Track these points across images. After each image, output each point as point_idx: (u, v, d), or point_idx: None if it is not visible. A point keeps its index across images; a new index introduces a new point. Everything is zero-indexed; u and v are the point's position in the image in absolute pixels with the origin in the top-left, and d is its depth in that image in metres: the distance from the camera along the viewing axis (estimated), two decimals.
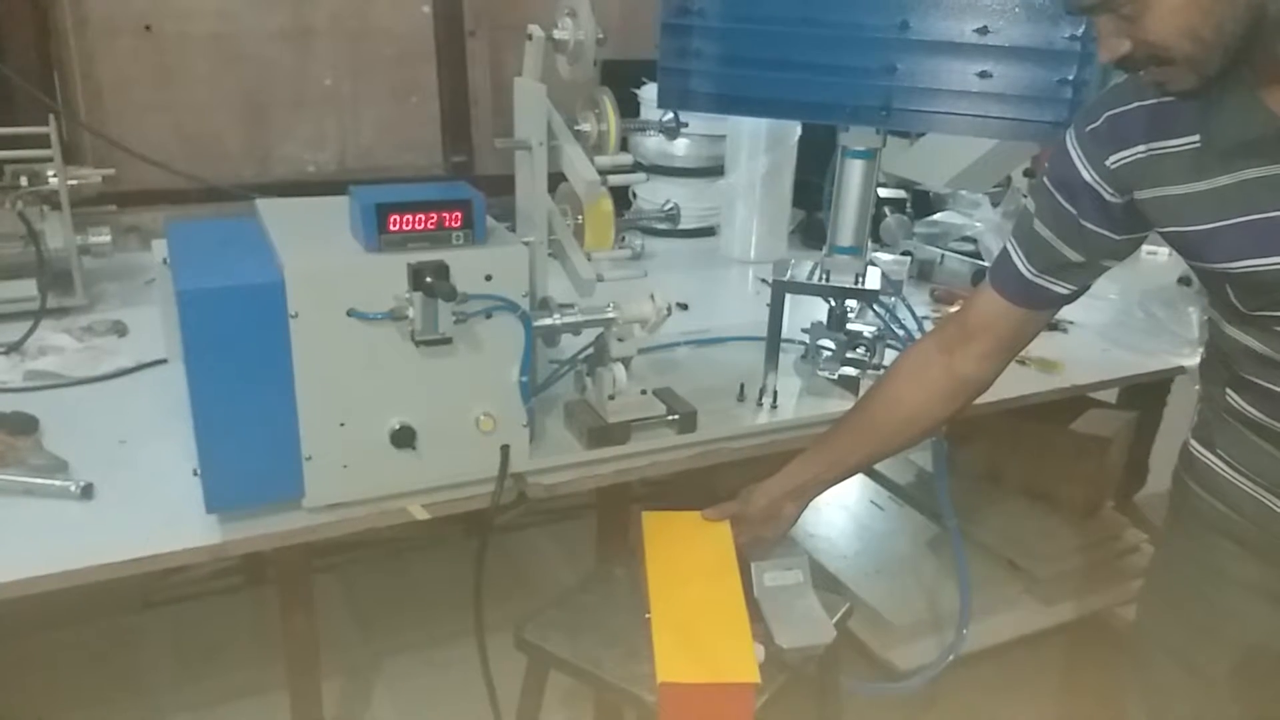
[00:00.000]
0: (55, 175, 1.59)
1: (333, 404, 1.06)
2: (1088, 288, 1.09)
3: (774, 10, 1.35)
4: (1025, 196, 1.09)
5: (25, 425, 1.23)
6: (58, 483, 1.10)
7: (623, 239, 2.00)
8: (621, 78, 1.96)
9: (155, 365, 1.44)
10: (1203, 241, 0.92)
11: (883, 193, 2.14)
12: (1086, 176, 0.98)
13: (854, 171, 1.41)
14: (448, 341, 1.07)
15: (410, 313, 1.04)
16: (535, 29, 1.19)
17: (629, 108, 2.02)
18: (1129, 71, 0.88)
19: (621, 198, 1.95)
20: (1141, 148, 0.94)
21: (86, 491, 1.10)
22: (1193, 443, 1.12)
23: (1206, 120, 0.89)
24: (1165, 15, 0.80)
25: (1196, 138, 0.90)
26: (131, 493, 1.12)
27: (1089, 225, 1.01)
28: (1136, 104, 0.94)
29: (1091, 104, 1.01)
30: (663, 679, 1.09)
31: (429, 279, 1.02)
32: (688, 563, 1.23)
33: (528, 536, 2.46)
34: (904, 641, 1.89)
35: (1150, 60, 0.84)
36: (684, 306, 1.77)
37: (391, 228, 1.05)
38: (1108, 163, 0.96)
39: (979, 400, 1.20)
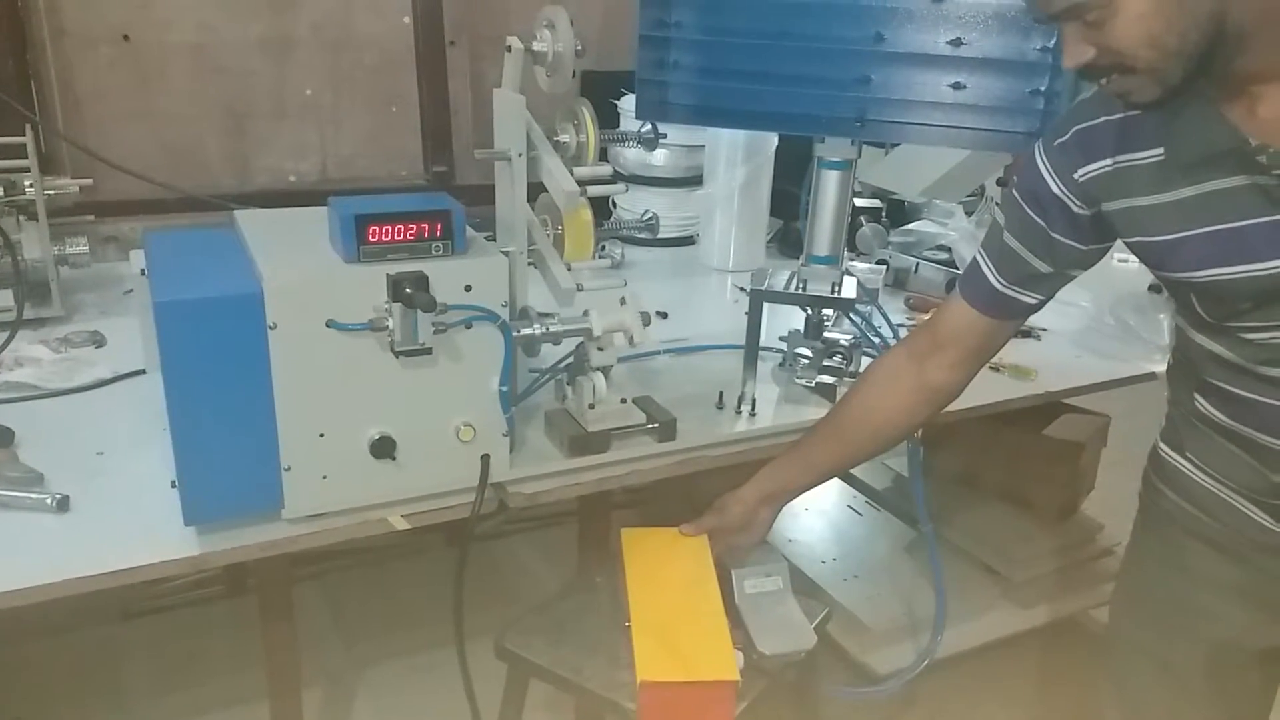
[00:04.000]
0: (32, 185, 1.58)
1: (312, 415, 1.06)
2: (1053, 296, 1.11)
3: (750, 23, 1.37)
4: (997, 205, 1.11)
5: (1, 437, 1.22)
6: (33, 495, 1.09)
7: (603, 248, 2.03)
8: (601, 89, 1.98)
9: (133, 376, 1.43)
10: (1167, 251, 0.94)
11: (858, 202, 2.17)
12: (1055, 189, 1.01)
13: (830, 182, 1.43)
14: (427, 352, 1.07)
15: (390, 323, 1.04)
16: (514, 41, 1.20)
17: (608, 119, 2.03)
18: (1092, 80, 0.91)
19: (601, 208, 1.96)
20: (1108, 161, 0.96)
21: (63, 504, 1.09)
22: (1162, 446, 1.15)
23: (1170, 133, 0.91)
24: (1130, 23, 0.82)
25: (1161, 150, 0.92)
26: (109, 505, 1.11)
27: (1058, 236, 1.03)
28: (1104, 118, 0.96)
29: (1059, 119, 1.03)
30: (643, 678, 1.09)
31: (408, 290, 1.02)
32: (667, 575, 1.24)
33: (509, 544, 2.46)
34: (882, 645, 1.90)
35: (1114, 69, 0.87)
36: (664, 315, 1.78)
37: (371, 239, 1.05)
38: (1076, 176, 0.99)
39: (954, 406, 1.22)
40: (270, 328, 1.01)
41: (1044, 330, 1.80)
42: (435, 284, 1.05)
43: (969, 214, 2.25)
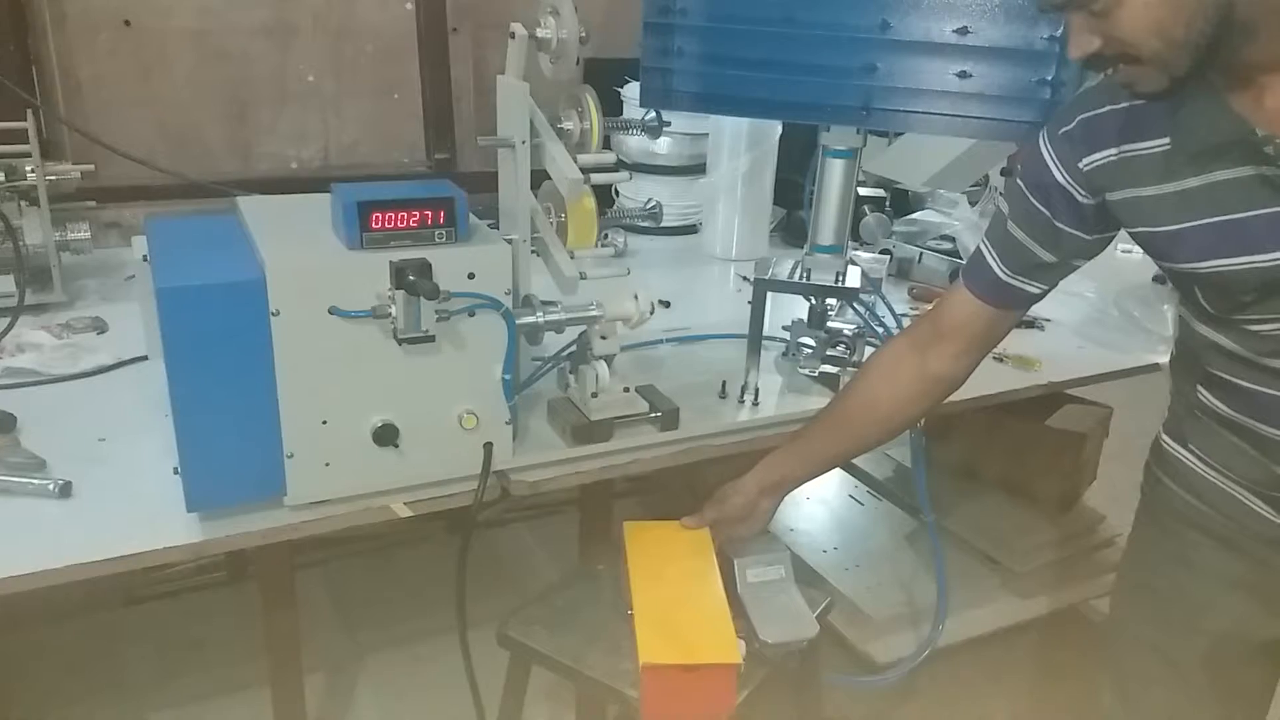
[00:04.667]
0: (33, 171, 1.58)
1: (315, 402, 1.06)
2: (1056, 286, 1.11)
3: (755, 10, 1.36)
4: (1001, 195, 1.10)
5: (3, 423, 1.22)
6: (35, 481, 1.10)
7: (605, 236, 2.02)
8: (604, 76, 1.96)
9: (135, 362, 1.43)
10: (1171, 242, 0.94)
11: (862, 191, 2.16)
12: (1059, 178, 1.00)
13: (835, 171, 1.42)
14: (430, 339, 1.07)
15: (393, 311, 1.04)
16: (518, 27, 1.20)
17: (612, 106, 2.02)
18: (1098, 70, 0.90)
19: (604, 196, 1.95)
20: (1113, 150, 0.95)
21: (65, 490, 1.09)
22: (1164, 437, 1.15)
23: (1175, 123, 0.91)
24: (1136, 12, 0.82)
25: (1166, 140, 0.92)
26: (111, 491, 1.11)
27: (1062, 226, 1.03)
28: (1109, 107, 0.96)
29: (1064, 107, 1.02)
30: (645, 660, 1.09)
31: (411, 277, 1.02)
32: (668, 566, 1.24)
33: (511, 532, 2.47)
34: (883, 635, 1.91)
35: (1119, 59, 0.86)
36: (666, 304, 1.77)
37: (374, 225, 1.05)
38: (1080, 165, 0.98)
39: (957, 396, 1.22)
40: (273, 314, 1.00)
41: (1048, 321, 1.79)
42: (438, 271, 1.04)
43: (973, 204, 2.25)
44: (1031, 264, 1.06)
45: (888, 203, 2.18)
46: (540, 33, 1.19)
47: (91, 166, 1.72)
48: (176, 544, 1.04)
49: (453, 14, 2.34)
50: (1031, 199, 1.04)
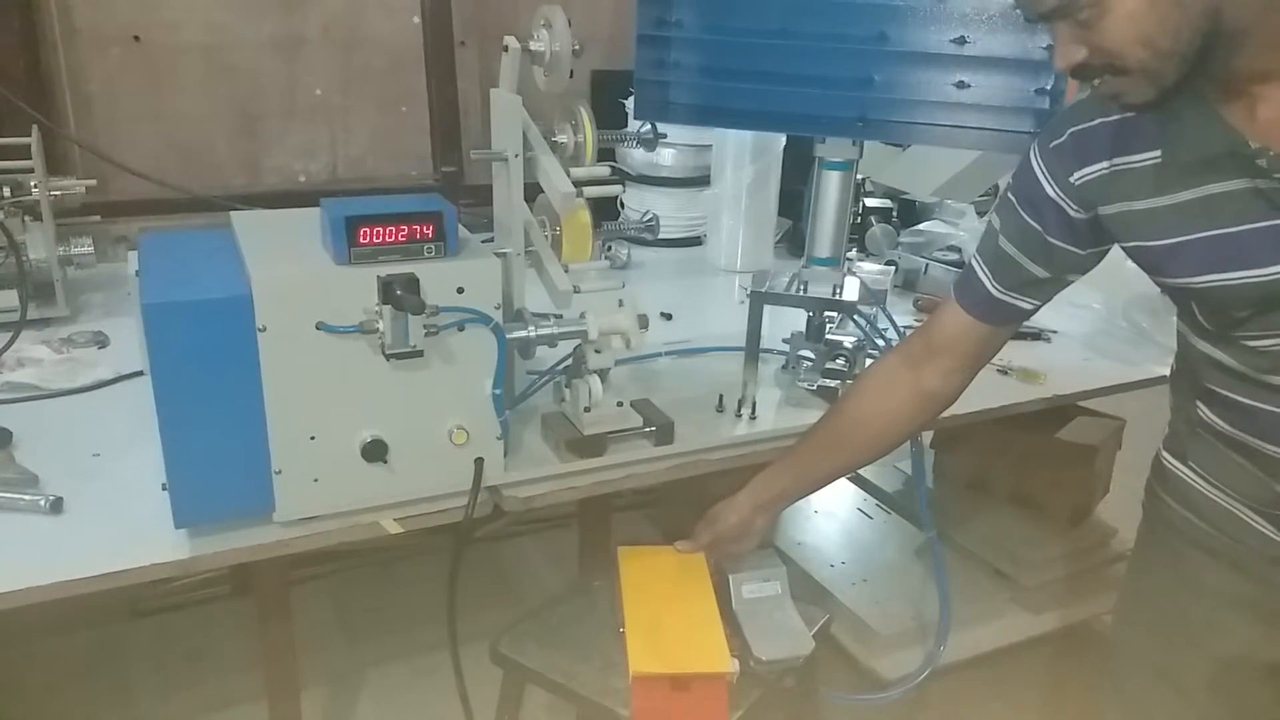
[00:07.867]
0: (37, 186, 1.59)
1: (302, 418, 1.05)
2: (1049, 300, 1.09)
3: (751, 21, 1.36)
4: (993, 211, 1.08)
5: None
6: (26, 497, 1.10)
7: (609, 249, 2.02)
8: (611, 88, 1.96)
9: (133, 377, 1.44)
10: (1165, 256, 0.92)
11: (869, 202, 2.14)
12: (1051, 192, 0.98)
13: (831, 183, 1.41)
14: (419, 354, 1.06)
15: (380, 326, 1.03)
16: (511, 40, 1.20)
17: (618, 118, 2.02)
18: (1084, 80, 0.89)
19: (608, 208, 1.95)
20: (1105, 164, 0.94)
21: (55, 506, 1.09)
22: (1165, 455, 1.12)
23: (1167, 136, 0.89)
24: (1122, 22, 0.81)
25: (1158, 153, 0.90)
26: (102, 507, 1.11)
27: (1054, 241, 1.01)
28: (1100, 120, 0.94)
29: (1055, 120, 1.01)
30: (635, 670, 1.08)
31: (398, 292, 1.02)
32: (662, 587, 1.23)
33: (513, 545, 2.46)
34: (889, 650, 1.88)
35: (1106, 69, 0.84)
36: (668, 316, 1.76)
37: (362, 240, 1.05)
38: (1072, 179, 0.97)
39: (961, 409, 1.21)
40: (259, 330, 1.00)
41: (1054, 333, 1.77)
42: (427, 286, 1.04)
43: (980, 214, 2.22)
44: (1024, 280, 1.05)
45: (895, 213, 2.17)
46: (534, 45, 1.19)
47: (94, 181, 1.73)
48: (164, 560, 1.04)
49: (460, 28, 2.35)
50: (1023, 214, 1.02)
